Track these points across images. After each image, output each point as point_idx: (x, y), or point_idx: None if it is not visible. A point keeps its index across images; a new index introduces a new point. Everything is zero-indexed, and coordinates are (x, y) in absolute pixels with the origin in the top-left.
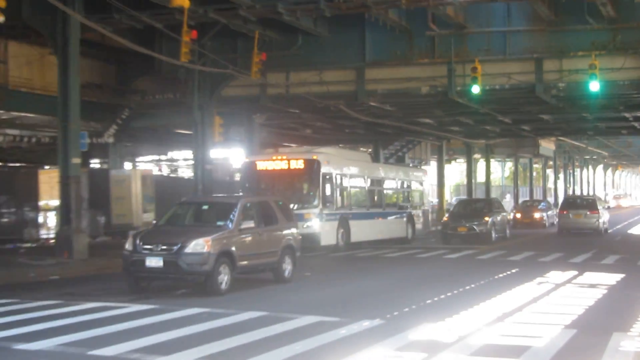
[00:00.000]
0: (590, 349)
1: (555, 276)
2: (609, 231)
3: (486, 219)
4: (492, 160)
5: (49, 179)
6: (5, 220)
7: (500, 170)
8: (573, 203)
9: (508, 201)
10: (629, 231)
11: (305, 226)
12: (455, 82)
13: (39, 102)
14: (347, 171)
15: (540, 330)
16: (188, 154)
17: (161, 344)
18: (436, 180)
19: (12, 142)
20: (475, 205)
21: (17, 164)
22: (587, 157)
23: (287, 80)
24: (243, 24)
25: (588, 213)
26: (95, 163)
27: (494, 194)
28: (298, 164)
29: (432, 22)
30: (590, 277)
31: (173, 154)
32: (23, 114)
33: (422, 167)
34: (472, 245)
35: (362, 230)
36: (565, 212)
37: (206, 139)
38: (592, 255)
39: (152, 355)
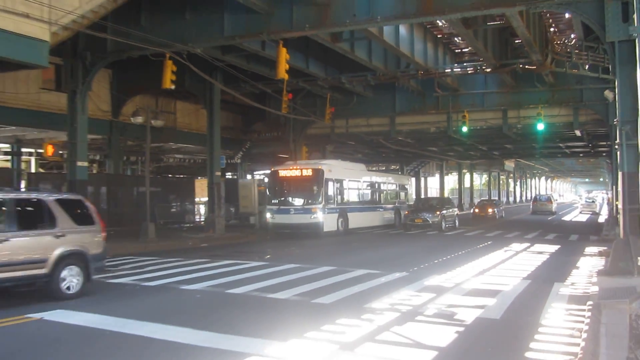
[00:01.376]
0: (539, 292)
1: (516, 246)
2: (551, 217)
3: (437, 212)
4: (474, 173)
5: (200, 185)
6: (174, 210)
7: (479, 180)
8: (538, 198)
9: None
10: (563, 218)
11: (312, 217)
12: (451, 125)
13: (195, 138)
14: (346, 176)
15: (507, 280)
16: None
17: (270, 287)
18: (438, 186)
19: (179, 162)
20: (431, 202)
21: (182, 176)
22: (535, 171)
23: (347, 124)
24: (320, 89)
25: (547, 203)
26: (229, 175)
27: (476, 196)
28: (308, 172)
29: (437, 87)
30: (538, 247)
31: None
32: (185, 145)
33: (407, 175)
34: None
35: (358, 220)
36: (535, 202)
37: (297, 160)
38: (539, 233)
39: (265, 293)
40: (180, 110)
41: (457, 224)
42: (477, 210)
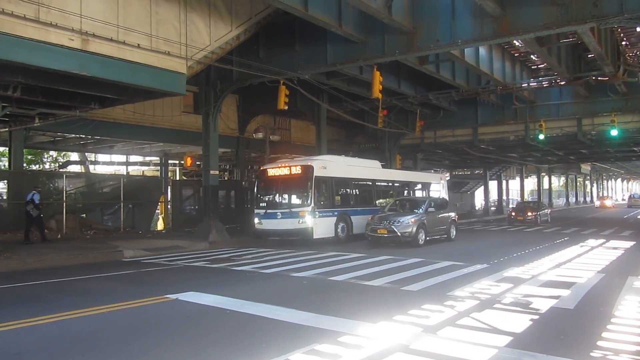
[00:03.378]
0: (613, 285)
1: (591, 242)
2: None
3: (535, 212)
4: (552, 176)
5: None
6: None
7: (557, 182)
8: (632, 195)
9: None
10: (639, 217)
11: (300, 222)
12: (529, 133)
13: (306, 150)
14: (349, 174)
15: (582, 273)
16: None
17: (366, 275)
18: (519, 187)
19: None
20: (530, 205)
21: None
22: (611, 173)
23: (435, 134)
24: (410, 106)
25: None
26: None
27: (554, 198)
28: (297, 170)
29: (515, 100)
30: (613, 243)
31: None
32: (298, 156)
33: (440, 173)
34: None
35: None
36: (630, 199)
37: (392, 167)
38: (615, 230)
39: (362, 280)
40: (294, 126)
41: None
42: (513, 213)
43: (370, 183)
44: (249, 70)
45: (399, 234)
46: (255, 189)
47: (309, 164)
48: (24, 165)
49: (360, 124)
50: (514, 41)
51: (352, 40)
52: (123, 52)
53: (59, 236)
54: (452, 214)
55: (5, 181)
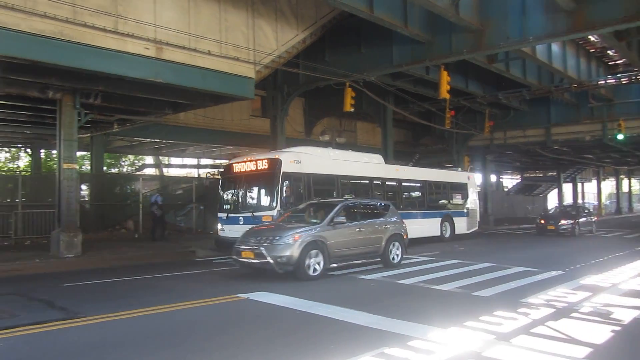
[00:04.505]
0: None
1: None
2: None
3: (571, 220)
4: (632, 179)
5: None
6: None
7: (638, 186)
8: None
9: None
10: None
11: None
12: (607, 133)
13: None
14: (336, 171)
15: None
16: None
17: (435, 279)
18: (596, 191)
19: None
20: (567, 210)
21: None
22: None
23: (505, 135)
24: (479, 106)
25: None
26: None
27: (635, 201)
28: (263, 165)
29: (592, 98)
30: None
31: None
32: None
33: (467, 171)
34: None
35: None
36: None
37: (461, 169)
38: None
39: (430, 284)
40: (360, 128)
41: (594, 229)
42: (542, 221)
43: (367, 182)
44: (315, 73)
45: (269, 259)
46: (220, 187)
47: (277, 157)
48: (104, 168)
49: (427, 125)
50: (590, 36)
51: (418, 40)
52: (194, 59)
53: (136, 236)
54: (397, 225)
55: (87, 184)
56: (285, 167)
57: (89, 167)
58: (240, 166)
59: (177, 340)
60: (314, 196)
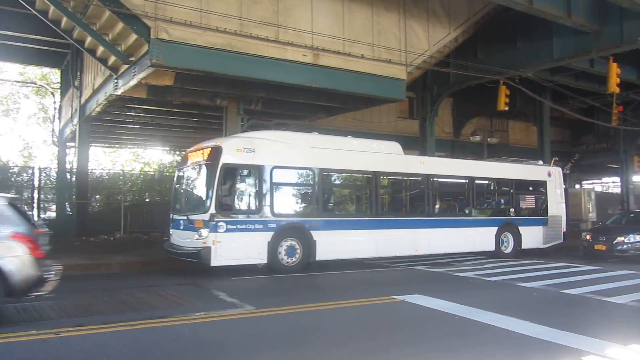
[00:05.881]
0: None
1: None
2: None
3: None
4: None
5: None
6: None
7: None
8: None
9: None
10: None
11: (196, 238)
12: None
13: (526, 152)
14: (316, 163)
15: None
16: (615, 179)
17: (605, 290)
18: None
19: None
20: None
21: None
22: None
23: None
24: None
25: None
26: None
27: None
28: (203, 155)
29: None
30: None
31: (605, 179)
32: (517, 159)
33: (550, 166)
34: None
35: (349, 244)
36: None
37: (628, 170)
38: None
39: (601, 296)
40: (512, 128)
41: None
42: (589, 238)
43: (370, 177)
44: (467, 72)
45: None
46: (174, 181)
47: (218, 144)
48: None
49: (589, 123)
50: None
51: (583, 30)
52: (348, 63)
53: None
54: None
55: None
56: (227, 158)
57: None
58: (190, 156)
59: (341, 338)
60: (279, 196)
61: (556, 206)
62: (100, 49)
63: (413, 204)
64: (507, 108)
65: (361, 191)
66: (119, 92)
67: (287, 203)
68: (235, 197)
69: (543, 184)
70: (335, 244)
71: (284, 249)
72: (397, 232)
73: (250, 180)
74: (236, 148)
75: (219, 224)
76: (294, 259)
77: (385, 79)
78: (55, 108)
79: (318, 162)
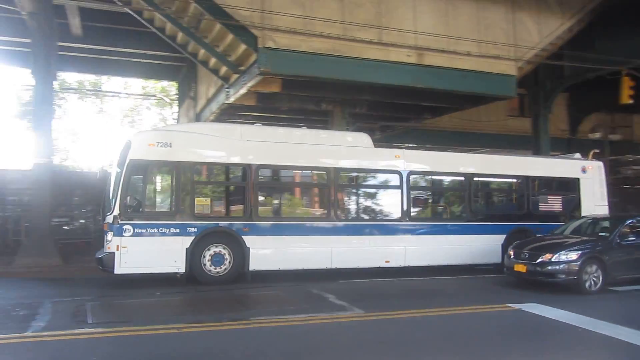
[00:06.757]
0: None
1: None
2: None
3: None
4: None
5: None
6: None
7: None
8: None
9: None
10: None
11: (106, 242)
12: None
13: None
14: (251, 159)
15: None
16: None
17: None
18: None
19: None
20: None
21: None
22: None
23: None
24: None
25: None
26: None
27: None
28: (117, 151)
29: None
30: None
31: None
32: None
33: (588, 160)
34: None
35: (290, 252)
36: None
37: None
38: None
39: None
40: (637, 123)
41: None
42: (512, 252)
43: (325, 174)
44: (583, 63)
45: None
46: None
47: (129, 138)
48: None
49: None
50: None
51: None
52: (453, 61)
53: None
54: None
55: None
56: (136, 153)
57: None
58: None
59: (458, 344)
60: (203, 196)
61: (593, 208)
62: (212, 61)
63: (384, 206)
64: (631, 101)
65: (312, 191)
66: (230, 100)
67: (212, 204)
68: (146, 197)
69: (574, 182)
70: (274, 251)
71: (208, 257)
72: (361, 239)
73: (165, 179)
74: (148, 142)
75: (125, 227)
76: (222, 268)
77: (494, 75)
78: (174, 118)
79: (253, 157)
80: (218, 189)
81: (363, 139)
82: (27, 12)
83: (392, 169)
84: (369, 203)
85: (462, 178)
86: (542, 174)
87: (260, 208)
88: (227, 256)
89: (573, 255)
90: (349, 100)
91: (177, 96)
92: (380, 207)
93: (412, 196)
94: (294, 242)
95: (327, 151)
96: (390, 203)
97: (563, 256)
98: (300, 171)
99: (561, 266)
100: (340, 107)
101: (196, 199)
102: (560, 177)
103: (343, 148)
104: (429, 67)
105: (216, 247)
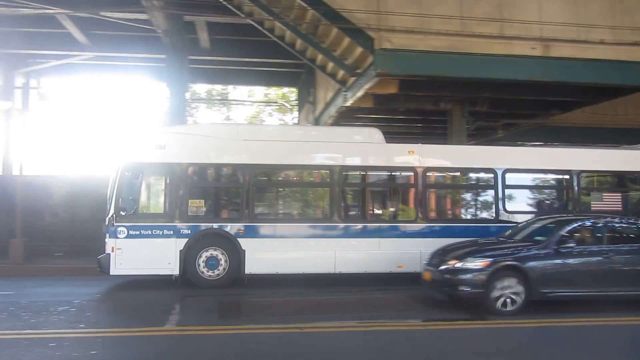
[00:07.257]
0: None
1: None
2: None
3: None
4: None
5: None
6: None
7: None
8: None
9: None
10: None
11: (105, 243)
12: None
13: None
14: (247, 159)
15: None
16: None
17: None
18: None
19: None
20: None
21: None
22: None
23: None
24: None
25: None
26: None
27: None
28: (116, 154)
29: None
30: None
31: None
32: None
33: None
34: None
35: (289, 255)
36: None
37: None
38: None
39: None
40: None
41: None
42: (436, 261)
43: (329, 173)
44: None
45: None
46: None
47: (125, 139)
48: None
49: None
50: None
51: None
52: (584, 51)
53: None
54: None
55: None
56: (130, 155)
57: None
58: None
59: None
60: (197, 198)
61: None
62: (330, 65)
63: (396, 206)
64: None
65: (314, 191)
66: (348, 103)
67: (206, 206)
68: (140, 199)
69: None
70: (272, 254)
71: (203, 260)
72: (369, 242)
73: (159, 180)
74: (142, 144)
75: (119, 229)
76: (217, 272)
77: (634, 64)
78: (294, 123)
79: (249, 157)
80: (213, 190)
81: (373, 135)
82: (162, 30)
83: (406, 165)
84: (378, 203)
85: (491, 174)
86: (592, 167)
87: (256, 209)
88: (222, 259)
89: (479, 263)
90: (468, 98)
91: (297, 102)
92: (392, 208)
93: (427, 195)
94: (294, 244)
95: (331, 149)
96: (404, 202)
97: (470, 263)
98: (301, 170)
99: (467, 276)
100: (460, 105)
101: (189, 201)
102: (619, 172)
103: (349, 145)
104: (557, 59)
105: (212, 250)
